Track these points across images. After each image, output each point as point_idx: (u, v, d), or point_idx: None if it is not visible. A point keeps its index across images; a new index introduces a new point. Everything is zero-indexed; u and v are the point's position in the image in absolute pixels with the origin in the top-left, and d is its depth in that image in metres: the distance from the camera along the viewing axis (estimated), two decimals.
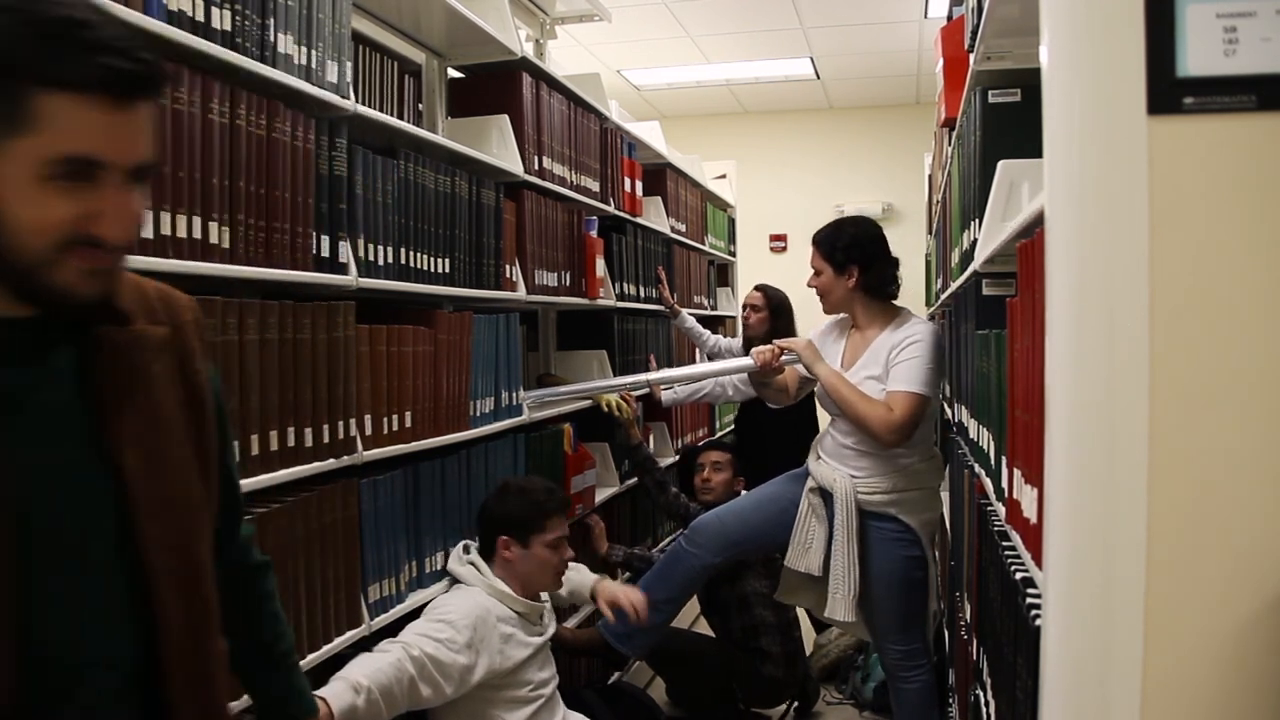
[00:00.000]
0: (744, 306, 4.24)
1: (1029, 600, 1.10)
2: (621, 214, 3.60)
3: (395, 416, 2.11)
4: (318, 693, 1.70)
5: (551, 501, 2.31)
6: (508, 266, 2.65)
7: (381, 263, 2.09)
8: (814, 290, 2.80)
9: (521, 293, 2.70)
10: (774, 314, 4.17)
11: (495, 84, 2.80)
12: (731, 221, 5.86)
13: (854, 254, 2.70)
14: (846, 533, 2.58)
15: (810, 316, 3.49)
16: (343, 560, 1.91)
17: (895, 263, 2.78)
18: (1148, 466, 0.90)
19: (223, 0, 1.62)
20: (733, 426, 5.49)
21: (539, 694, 2.24)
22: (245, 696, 1.61)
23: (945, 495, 2.87)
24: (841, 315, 2.83)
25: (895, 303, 2.77)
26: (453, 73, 2.88)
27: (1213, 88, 0.89)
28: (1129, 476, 0.90)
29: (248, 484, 1.65)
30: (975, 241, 1.86)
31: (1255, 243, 0.89)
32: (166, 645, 1.02)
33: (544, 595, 2.35)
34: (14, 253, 0.89)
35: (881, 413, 2.53)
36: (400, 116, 2.54)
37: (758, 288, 4.26)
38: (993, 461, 1.54)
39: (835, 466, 2.67)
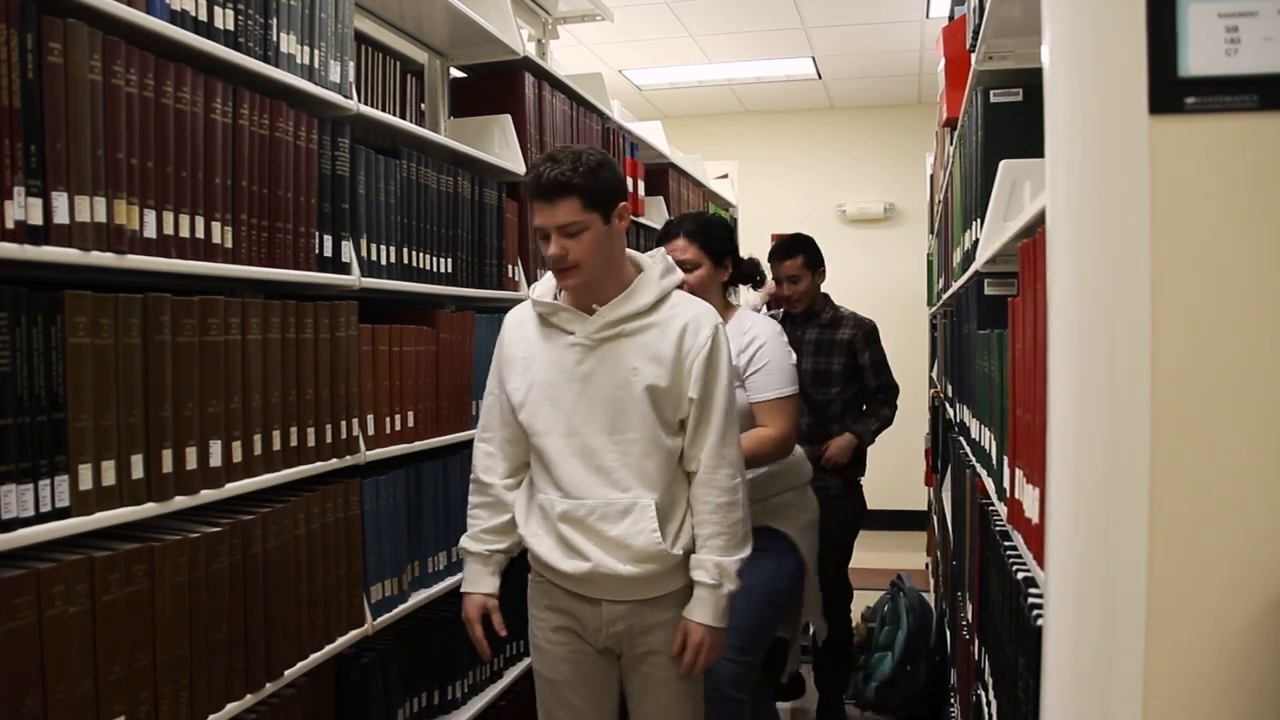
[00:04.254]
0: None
1: (1030, 600, 1.10)
2: None
3: (397, 416, 2.12)
4: (477, 590, 1.98)
5: (530, 178, 1.87)
6: (510, 266, 2.65)
7: (384, 262, 2.09)
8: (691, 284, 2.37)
9: (524, 292, 2.70)
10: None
11: (497, 84, 2.80)
12: (734, 221, 5.86)
13: (730, 244, 2.53)
14: None
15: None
16: (345, 560, 1.91)
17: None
18: (1149, 466, 0.90)
19: (225, 0, 1.62)
20: None
21: (534, 430, 1.91)
22: (248, 696, 1.62)
23: (946, 495, 2.86)
24: None
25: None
26: (455, 72, 2.88)
27: (1214, 87, 0.89)
28: (1131, 476, 0.90)
29: (250, 483, 1.65)
30: (977, 241, 1.86)
31: (1257, 243, 0.89)
32: None
33: (630, 301, 1.90)
34: None
35: (763, 437, 2.32)
36: (403, 116, 2.54)
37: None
38: (994, 461, 1.54)
39: None
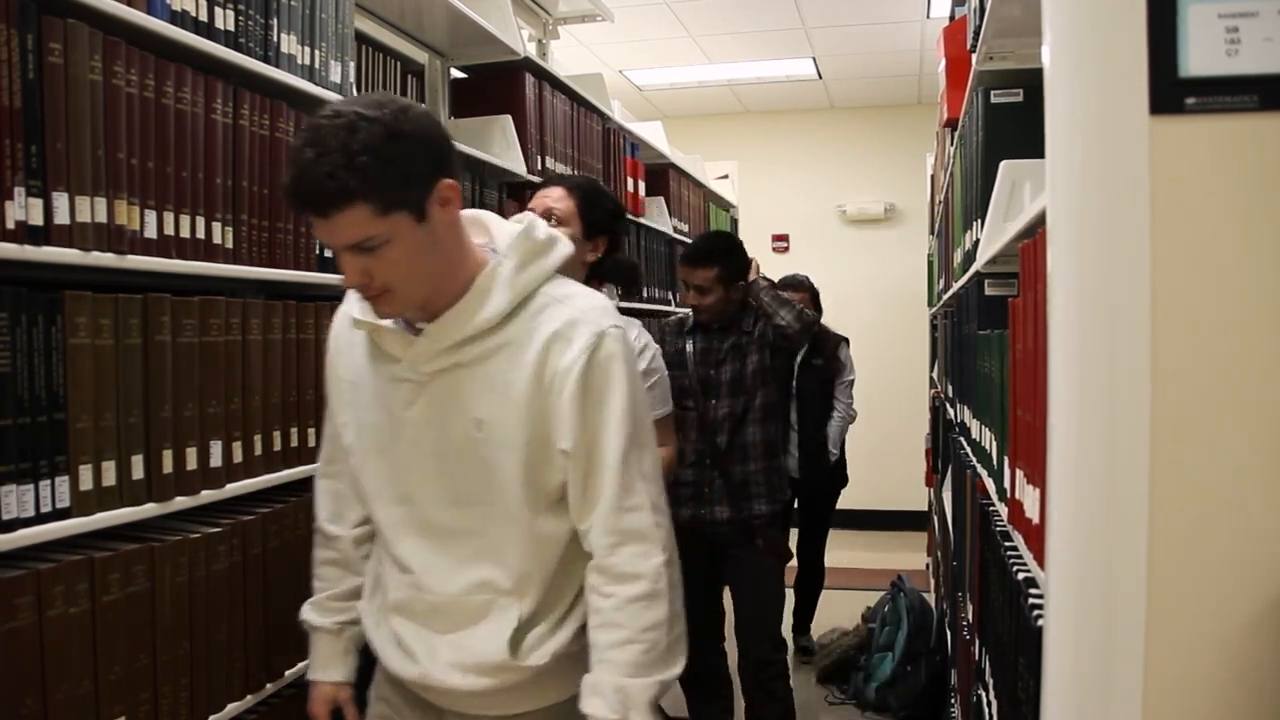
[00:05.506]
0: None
1: (1031, 600, 1.10)
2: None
3: None
4: (326, 678, 1.52)
5: (289, 178, 1.21)
6: None
7: None
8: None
9: None
10: (813, 301, 4.29)
11: (498, 84, 2.80)
12: (734, 222, 5.86)
13: (613, 226, 2.13)
14: None
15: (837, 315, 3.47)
16: None
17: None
18: (1150, 467, 0.90)
19: (226, 0, 1.62)
20: None
21: (362, 491, 1.43)
22: (248, 696, 1.62)
23: (947, 495, 2.86)
24: None
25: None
26: (455, 73, 2.88)
27: (1215, 88, 0.89)
28: (1131, 477, 0.90)
29: (250, 484, 1.65)
30: (977, 242, 1.86)
31: (1257, 243, 0.89)
32: None
33: (467, 316, 1.29)
34: None
35: (666, 460, 2.06)
36: None
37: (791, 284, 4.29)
38: (995, 462, 1.54)
39: None
